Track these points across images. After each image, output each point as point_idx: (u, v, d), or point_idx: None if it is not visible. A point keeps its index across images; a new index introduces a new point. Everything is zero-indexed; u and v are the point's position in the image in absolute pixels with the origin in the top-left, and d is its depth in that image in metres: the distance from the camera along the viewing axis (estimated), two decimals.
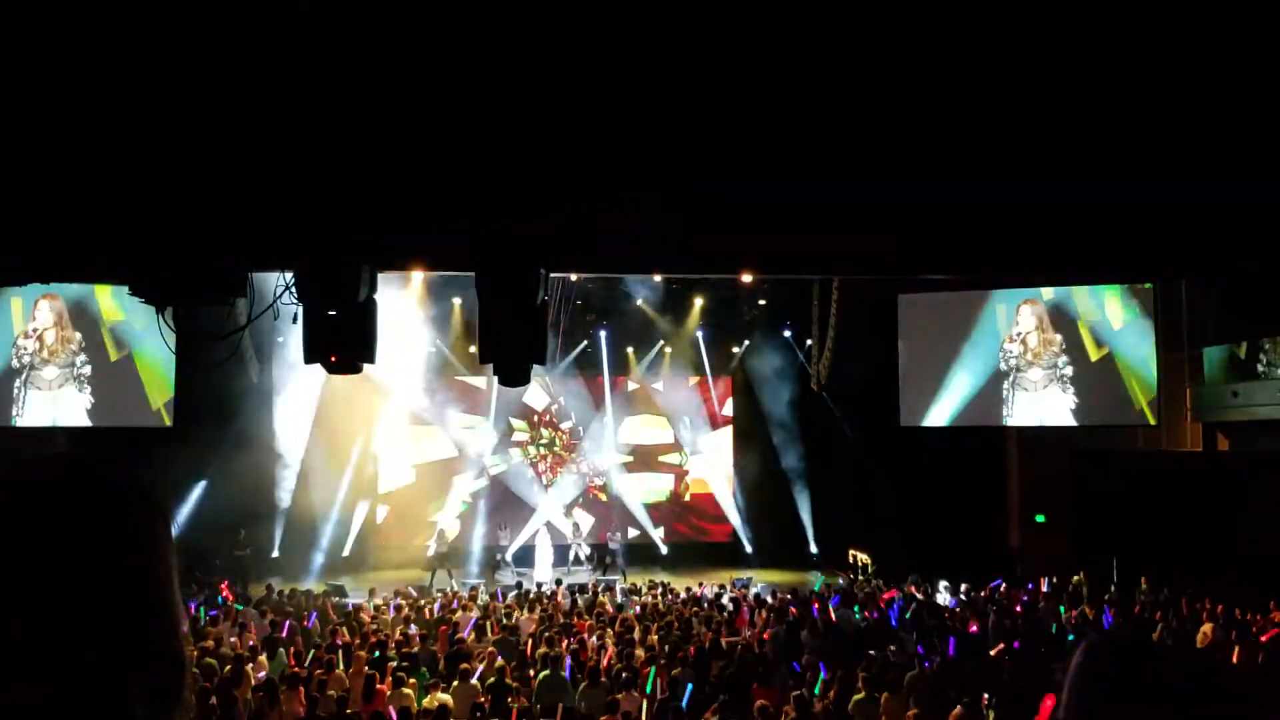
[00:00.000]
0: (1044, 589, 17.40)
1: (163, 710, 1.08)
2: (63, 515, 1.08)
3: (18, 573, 1.04)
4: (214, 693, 9.39)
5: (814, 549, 24.36)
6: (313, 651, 12.24)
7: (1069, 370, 18.84)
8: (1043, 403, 19.08)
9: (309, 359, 6.66)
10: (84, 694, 1.02)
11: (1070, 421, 19.12)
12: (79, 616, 1.04)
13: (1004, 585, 17.69)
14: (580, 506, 25.40)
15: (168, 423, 17.83)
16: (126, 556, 1.10)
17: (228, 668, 10.66)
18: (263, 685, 10.22)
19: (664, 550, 25.25)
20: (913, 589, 17.83)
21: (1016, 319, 19.26)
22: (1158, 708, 1.94)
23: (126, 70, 5.03)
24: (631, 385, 25.83)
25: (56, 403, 17.85)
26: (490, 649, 12.35)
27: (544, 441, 25.79)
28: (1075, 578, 17.74)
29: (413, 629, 14.04)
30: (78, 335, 17.90)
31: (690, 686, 10.42)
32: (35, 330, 17.81)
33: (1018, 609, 15.93)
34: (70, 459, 1.15)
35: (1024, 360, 19.16)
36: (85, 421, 17.88)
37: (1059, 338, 18.91)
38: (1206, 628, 13.47)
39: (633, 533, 24.87)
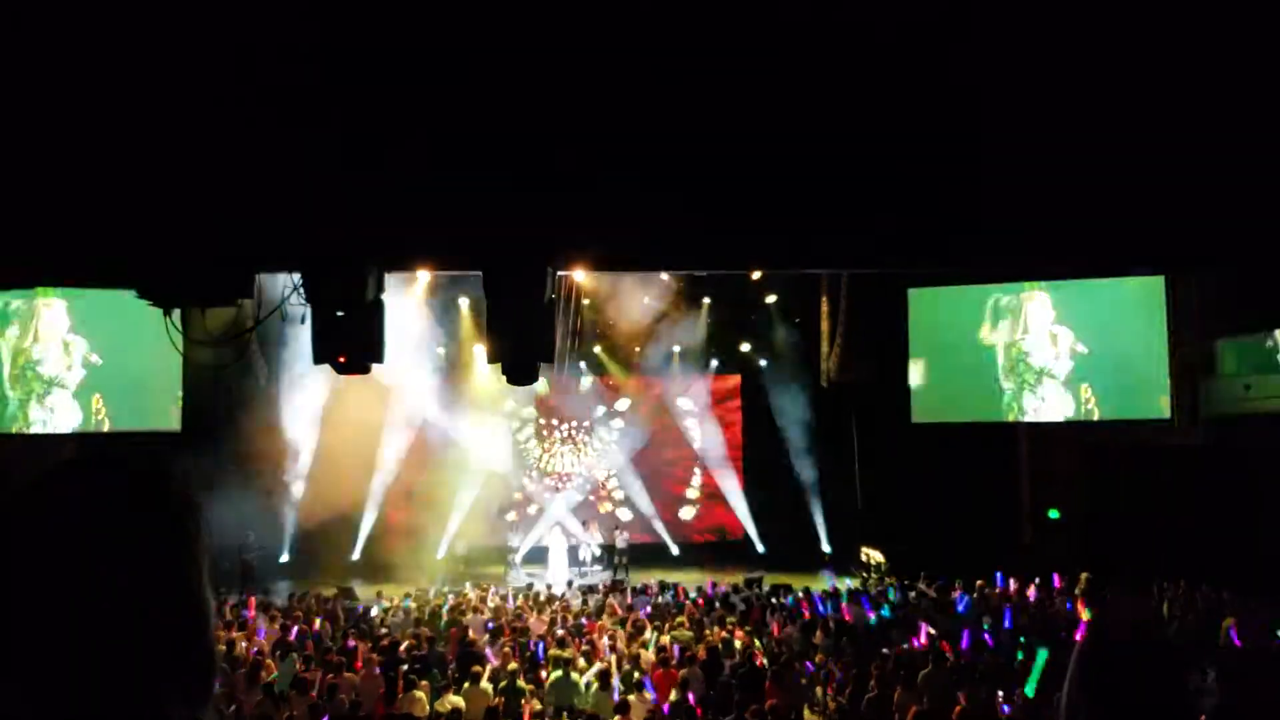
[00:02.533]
0: (1057, 585, 17.31)
1: (195, 707, 1.10)
2: (97, 515, 1.10)
3: (53, 572, 1.06)
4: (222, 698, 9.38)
5: (825, 548, 24.29)
6: (324, 655, 12.21)
7: (1078, 365, 18.74)
8: (1052, 398, 18.99)
9: (318, 360, 6.65)
10: (118, 692, 1.04)
11: (1080, 416, 19.02)
12: (113, 615, 1.06)
13: (1015, 582, 17.61)
14: (589, 506, 25.38)
15: (176, 427, 17.82)
16: (160, 555, 1.12)
17: (240, 671, 10.64)
18: (269, 689, 10.21)
19: (675, 550, 25.21)
20: (924, 587, 17.78)
21: (1025, 313, 19.16)
22: (1162, 691, 1.91)
23: (131, 71, 5.00)
24: (639, 384, 25.79)
25: (64, 408, 17.86)
26: (505, 650, 12.31)
27: (553, 441, 25.76)
28: (1084, 574, 17.63)
29: (424, 631, 14.01)
30: (79, 339, 17.89)
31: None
32: (36, 336, 17.82)
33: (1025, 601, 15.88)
34: (104, 459, 1.16)
35: (1033, 355, 19.06)
36: (93, 427, 17.87)
37: (1068, 331, 18.81)
38: (1229, 622, 13.39)
39: (643, 533, 24.84)
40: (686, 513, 25.99)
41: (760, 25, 4.98)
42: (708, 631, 13.81)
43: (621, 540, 23.36)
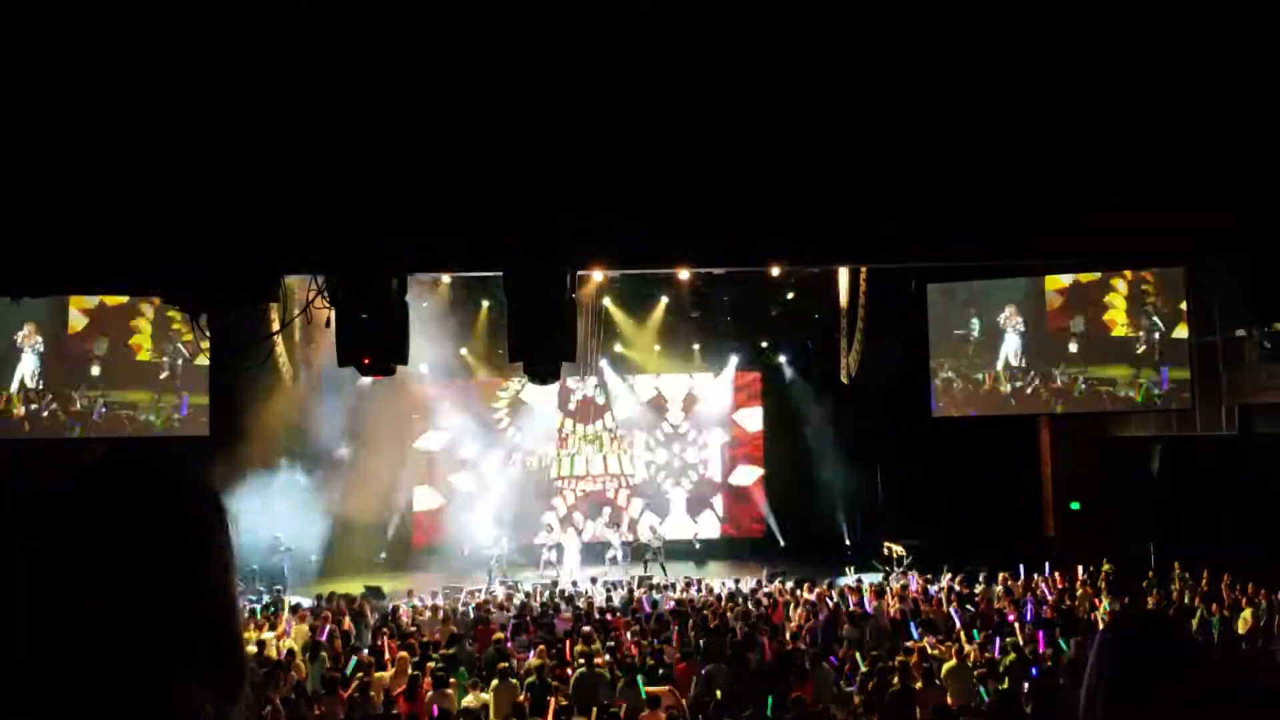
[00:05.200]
0: (1081, 577, 17.26)
1: (226, 705, 1.10)
2: (126, 514, 1.09)
3: (85, 572, 1.05)
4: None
5: (848, 542, 24.24)
6: (354, 656, 12.31)
7: (1097, 354, 18.63)
8: (1071, 389, 18.89)
9: (342, 362, 6.73)
10: (151, 690, 1.04)
11: (1101, 407, 18.92)
12: (142, 613, 1.05)
13: (1038, 575, 17.56)
14: (614, 505, 25.43)
15: (205, 431, 17.97)
16: (187, 554, 1.11)
17: (264, 670, 10.76)
18: (299, 688, 10.33)
19: (698, 546, 25.24)
20: (948, 580, 17.74)
21: (1044, 304, 19.07)
22: (1183, 683, 1.95)
23: (157, 76, 5.10)
24: (659, 381, 25.83)
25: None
26: (540, 648, 12.38)
27: (577, 439, 25.80)
28: (1105, 566, 17.56)
29: (452, 629, 14.13)
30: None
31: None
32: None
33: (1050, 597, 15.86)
34: (131, 458, 1.16)
35: (1051, 346, 18.97)
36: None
37: (1086, 321, 18.70)
38: (1246, 613, 13.34)
39: (667, 530, 24.86)
40: (709, 509, 25.99)
41: (763, 23, 5.05)
42: (732, 626, 13.85)
43: (650, 536, 23.40)
